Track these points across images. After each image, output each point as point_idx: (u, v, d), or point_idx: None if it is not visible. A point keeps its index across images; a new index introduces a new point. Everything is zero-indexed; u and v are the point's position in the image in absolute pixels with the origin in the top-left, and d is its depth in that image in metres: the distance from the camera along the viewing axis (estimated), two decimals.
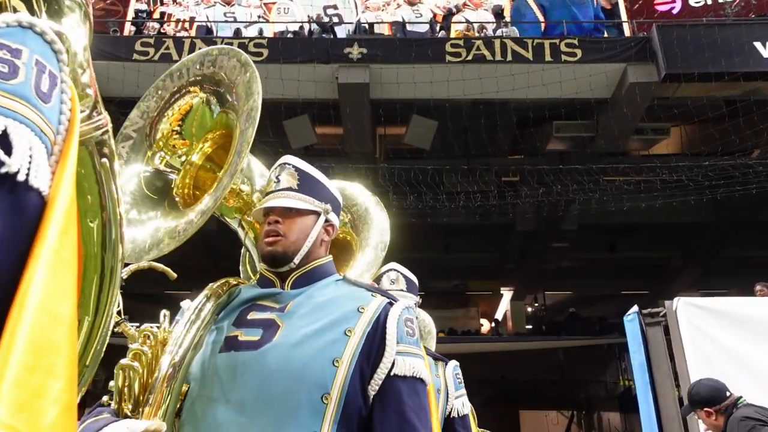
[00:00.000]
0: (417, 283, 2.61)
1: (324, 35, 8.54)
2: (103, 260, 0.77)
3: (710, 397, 3.19)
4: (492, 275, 14.18)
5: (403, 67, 7.72)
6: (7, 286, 0.58)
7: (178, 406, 1.14)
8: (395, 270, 2.55)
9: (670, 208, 8.70)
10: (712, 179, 7.72)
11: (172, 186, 1.47)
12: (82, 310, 0.75)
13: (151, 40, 8.00)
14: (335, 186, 1.50)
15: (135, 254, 1.31)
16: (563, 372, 13.02)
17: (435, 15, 9.49)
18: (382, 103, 8.14)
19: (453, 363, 2.63)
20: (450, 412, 2.49)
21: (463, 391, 2.60)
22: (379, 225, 1.90)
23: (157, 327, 1.22)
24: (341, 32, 8.85)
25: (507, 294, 15.33)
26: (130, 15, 9.59)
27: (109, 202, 0.77)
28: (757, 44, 7.43)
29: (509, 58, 7.78)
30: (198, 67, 1.42)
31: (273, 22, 9.40)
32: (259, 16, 9.54)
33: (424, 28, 9.12)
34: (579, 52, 7.79)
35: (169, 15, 9.60)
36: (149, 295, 10.13)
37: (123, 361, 1.12)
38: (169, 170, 1.48)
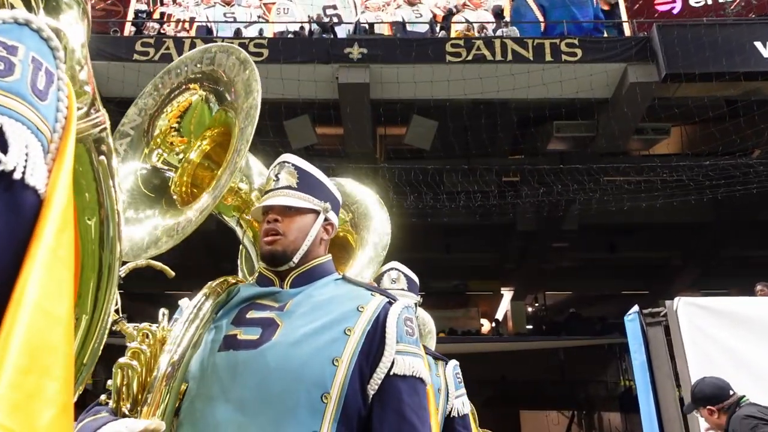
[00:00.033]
0: (418, 283, 2.61)
1: (324, 35, 8.53)
2: (101, 258, 0.77)
3: (714, 396, 3.20)
4: (492, 275, 14.17)
5: (403, 67, 7.71)
6: (2, 286, 0.57)
7: (176, 405, 1.14)
8: (396, 269, 2.54)
9: (671, 207, 8.69)
10: (712, 179, 7.71)
11: (170, 184, 1.46)
12: (80, 309, 0.74)
13: (152, 41, 8.00)
14: (334, 184, 1.49)
15: (133, 252, 1.30)
16: (564, 372, 13.01)
17: (435, 15, 9.49)
18: (383, 103, 8.14)
19: (453, 362, 2.62)
20: (450, 412, 2.48)
21: (463, 390, 2.59)
22: (379, 223, 1.90)
23: (156, 326, 1.22)
24: (341, 32, 8.84)
25: (507, 294, 15.32)
26: (131, 15, 9.59)
27: (106, 199, 0.77)
28: (758, 44, 7.42)
29: (510, 58, 7.77)
30: (197, 64, 1.42)
31: (273, 23, 9.40)
32: (258, 17, 9.54)
33: (424, 28, 9.11)
34: (579, 52, 7.78)
35: (169, 15, 9.59)
36: (149, 295, 10.15)
37: (121, 359, 1.12)
38: (166, 168, 1.47)
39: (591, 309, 14.40)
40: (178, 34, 8.94)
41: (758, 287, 6.12)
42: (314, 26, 8.80)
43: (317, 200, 1.38)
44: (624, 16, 9.40)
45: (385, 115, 8.23)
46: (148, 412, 1.08)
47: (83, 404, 1.15)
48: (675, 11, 9.87)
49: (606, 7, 9.36)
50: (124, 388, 1.11)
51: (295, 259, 1.33)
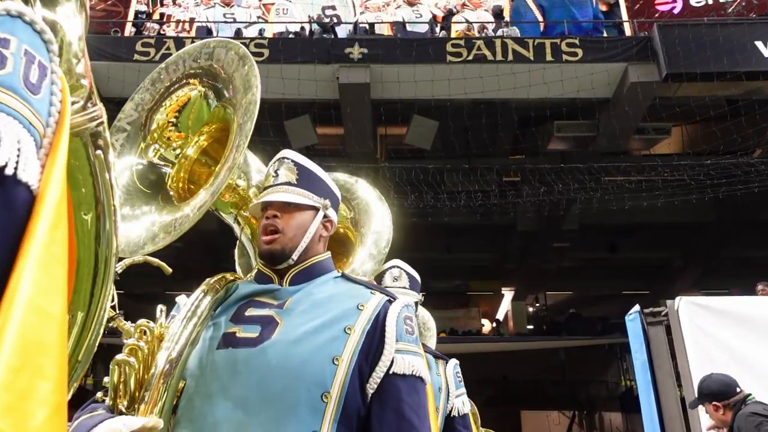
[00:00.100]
0: (420, 281, 2.60)
1: (325, 35, 8.53)
2: (97, 253, 0.76)
3: (720, 392, 3.22)
4: (493, 275, 14.16)
5: (403, 67, 7.70)
6: None
7: (174, 402, 1.13)
8: (398, 267, 2.54)
9: (672, 207, 8.68)
10: (713, 178, 7.70)
11: (167, 180, 1.45)
12: (75, 304, 0.73)
13: (152, 41, 8.00)
14: (333, 180, 1.48)
15: (130, 249, 1.29)
16: (564, 372, 12.98)
17: (435, 16, 9.48)
18: (383, 103, 8.13)
19: (453, 361, 2.62)
20: (450, 411, 2.47)
21: (463, 389, 2.59)
22: (380, 219, 1.89)
23: (154, 323, 1.21)
24: (342, 32, 8.84)
25: (508, 294, 15.31)
26: (131, 16, 9.58)
27: (103, 194, 0.76)
28: (759, 43, 7.41)
29: (510, 58, 7.76)
30: (195, 59, 1.40)
31: (272, 23, 9.39)
32: (258, 17, 9.53)
33: (424, 28, 9.10)
34: (580, 51, 7.77)
35: (169, 16, 9.59)
36: (150, 294, 10.14)
37: (119, 356, 1.11)
38: (163, 163, 1.46)
39: (592, 309, 14.38)
40: (179, 35, 8.93)
41: (759, 287, 6.11)
42: (315, 26, 8.80)
43: (317, 197, 1.37)
44: (624, 16, 9.39)
45: (386, 114, 8.23)
46: (146, 409, 1.07)
47: (80, 402, 1.14)
48: (675, 11, 9.87)
49: (604, 8, 9.35)
50: (121, 385, 1.10)
51: (294, 256, 1.32)
